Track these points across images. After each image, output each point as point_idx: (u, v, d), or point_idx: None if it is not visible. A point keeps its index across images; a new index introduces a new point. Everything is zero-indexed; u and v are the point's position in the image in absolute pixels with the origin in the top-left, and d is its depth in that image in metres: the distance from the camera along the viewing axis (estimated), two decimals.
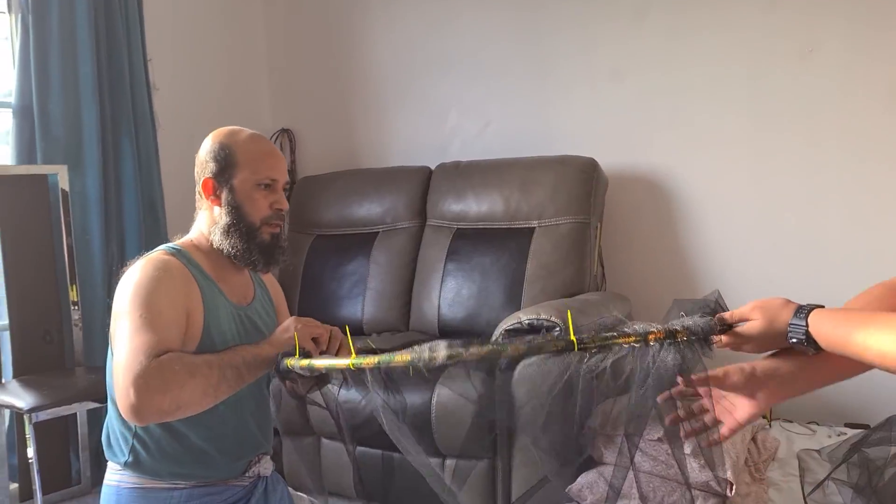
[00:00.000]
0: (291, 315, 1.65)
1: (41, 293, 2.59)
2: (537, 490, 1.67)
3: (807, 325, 0.99)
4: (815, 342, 0.99)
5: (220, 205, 1.38)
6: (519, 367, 1.51)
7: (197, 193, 1.42)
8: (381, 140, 3.49)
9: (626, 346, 0.95)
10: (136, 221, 2.88)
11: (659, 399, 1.07)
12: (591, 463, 1.78)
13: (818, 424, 2.45)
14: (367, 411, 2.29)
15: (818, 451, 1.77)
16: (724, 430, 1.12)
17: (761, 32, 2.70)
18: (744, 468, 1.90)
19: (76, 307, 2.65)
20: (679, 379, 1.03)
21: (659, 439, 1.61)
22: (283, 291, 1.65)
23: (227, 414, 1.35)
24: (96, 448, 2.66)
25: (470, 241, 2.87)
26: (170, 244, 1.39)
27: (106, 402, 1.40)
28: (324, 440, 2.41)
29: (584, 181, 2.79)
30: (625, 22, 2.92)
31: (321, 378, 1.35)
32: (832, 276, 2.56)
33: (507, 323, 2.17)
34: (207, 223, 1.40)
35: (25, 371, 2.50)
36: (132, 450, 1.32)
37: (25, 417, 2.23)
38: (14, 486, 2.56)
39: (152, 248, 1.37)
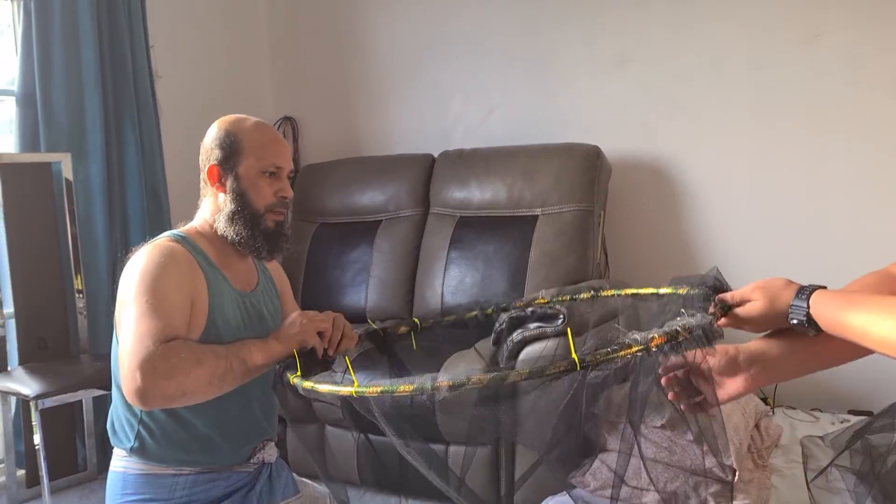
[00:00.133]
0: (297, 300, 1.66)
1: (46, 281, 2.60)
2: (535, 470, 1.67)
3: (808, 307, 0.99)
4: (815, 324, 0.99)
5: (224, 192, 1.38)
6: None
7: (202, 180, 1.42)
8: (384, 128, 3.48)
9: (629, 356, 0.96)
10: (139, 209, 2.88)
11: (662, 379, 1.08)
12: (594, 449, 1.79)
13: (821, 411, 2.46)
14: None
15: (821, 438, 1.78)
16: (705, 404, 1.11)
17: (765, 20, 2.68)
18: (747, 455, 1.90)
19: (81, 295, 2.66)
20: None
21: (662, 426, 1.62)
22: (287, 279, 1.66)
23: (232, 401, 1.36)
24: (102, 435, 2.67)
25: (473, 228, 2.87)
26: (174, 231, 1.39)
27: (111, 388, 1.40)
28: (328, 427, 2.42)
29: (587, 169, 2.78)
30: (628, 10, 2.91)
31: (325, 362, 1.36)
32: (835, 264, 2.54)
33: (513, 311, 2.17)
34: (212, 210, 1.40)
35: (31, 358, 2.51)
36: (137, 436, 1.32)
37: (32, 404, 2.25)
38: (21, 472, 2.58)
39: (156, 236, 1.37)
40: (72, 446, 2.69)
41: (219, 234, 1.38)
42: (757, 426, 2.10)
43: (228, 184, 1.37)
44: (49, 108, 2.65)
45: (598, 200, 2.81)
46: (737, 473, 1.73)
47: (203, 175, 1.41)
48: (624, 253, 2.98)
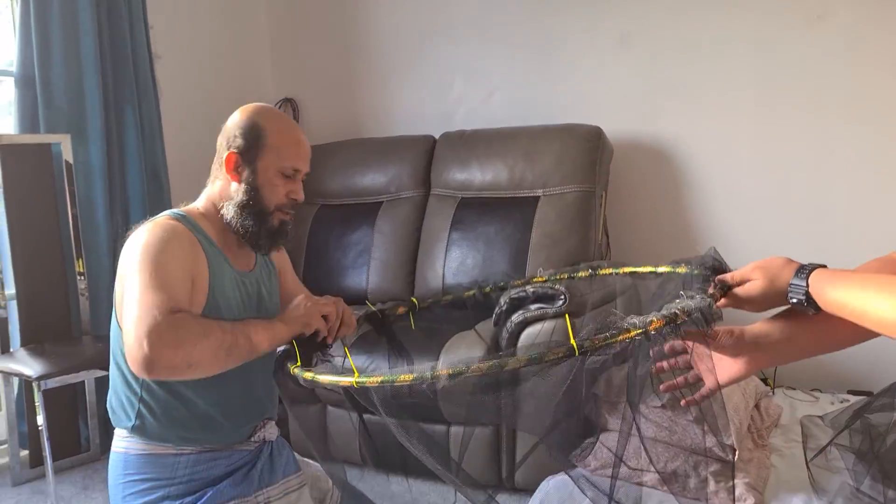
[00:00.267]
0: (297, 276, 1.66)
1: (47, 263, 2.60)
2: (535, 449, 1.69)
3: (807, 286, 0.98)
4: (814, 303, 0.98)
5: (239, 182, 1.37)
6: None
7: (216, 162, 1.41)
8: (385, 109, 3.46)
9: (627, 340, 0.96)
10: (139, 190, 2.88)
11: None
12: (594, 429, 1.80)
13: (821, 391, 2.47)
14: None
15: (821, 418, 1.78)
16: (703, 389, 1.11)
17: (767, 1, 2.66)
18: (747, 434, 1.91)
19: (82, 277, 2.66)
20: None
21: (662, 406, 1.62)
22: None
23: (233, 379, 1.36)
24: (105, 415, 2.67)
25: (474, 210, 2.86)
26: (174, 210, 1.39)
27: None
28: (329, 408, 2.43)
29: (589, 150, 2.77)
30: None
31: (323, 346, 1.37)
32: (838, 245, 2.55)
33: (512, 291, 2.17)
34: (222, 195, 1.39)
35: (33, 340, 2.52)
36: (138, 414, 1.33)
37: (34, 385, 2.26)
38: (24, 452, 2.60)
39: (148, 220, 1.37)
40: (75, 427, 2.70)
41: (225, 220, 1.38)
42: (757, 406, 2.11)
43: (244, 175, 1.36)
44: (48, 90, 2.64)
45: (600, 182, 2.80)
46: (737, 452, 1.74)
47: (220, 158, 1.39)
48: (625, 234, 2.98)
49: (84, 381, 2.62)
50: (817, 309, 0.98)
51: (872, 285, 0.91)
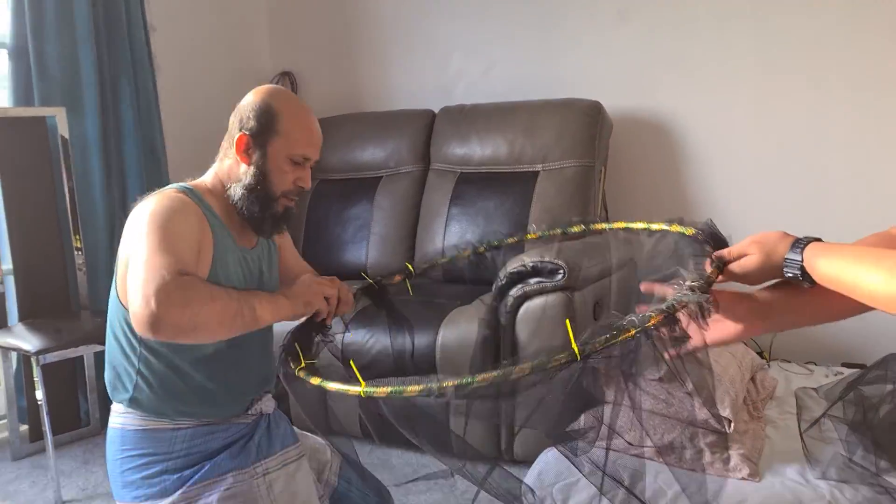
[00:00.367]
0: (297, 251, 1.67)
1: (44, 237, 2.59)
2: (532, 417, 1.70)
3: (802, 260, 0.99)
4: (810, 276, 0.99)
5: (248, 164, 1.36)
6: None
7: (226, 140, 1.41)
8: (384, 82, 3.44)
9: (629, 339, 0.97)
10: (136, 164, 2.86)
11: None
12: (593, 402, 1.81)
13: (816, 364, 2.48)
14: (374, 352, 2.32)
15: (815, 390, 1.79)
16: (689, 344, 1.12)
17: None
18: (742, 406, 1.93)
19: (80, 252, 2.66)
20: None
21: (660, 379, 1.63)
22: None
23: (230, 353, 1.36)
24: (104, 390, 2.69)
25: (474, 185, 2.86)
26: (181, 184, 1.39)
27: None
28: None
29: (588, 124, 2.76)
30: None
31: (322, 327, 1.38)
32: (837, 217, 2.55)
33: (512, 266, 2.17)
34: (230, 174, 1.39)
35: (31, 315, 2.52)
36: (136, 387, 1.33)
37: (33, 360, 2.26)
38: (24, 427, 2.61)
39: (155, 191, 1.36)
40: (74, 402, 2.71)
41: (231, 199, 1.38)
42: (753, 379, 2.12)
43: (254, 158, 1.36)
44: (42, 62, 2.61)
45: (599, 156, 2.79)
46: (732, 424, 1.76)
47: (231, 137, 1.39)
48: (624, 208, 2.98)
49: (83, 356, 2.63)
50: (812, 282, 0.99)
51: (866, 259, 0.91)
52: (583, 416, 1.55)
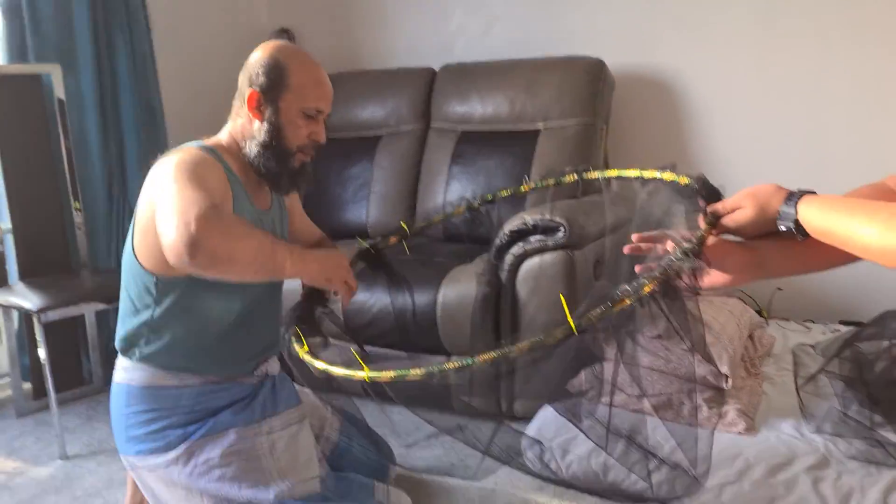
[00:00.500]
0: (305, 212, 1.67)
1: (42, 195, 2.57)
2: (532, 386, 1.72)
3: (796, 213, 0.99)
4: (804, 229, 0.99)
5: (261, 120, 1.36)
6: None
7: (237, 99, 1.40)
8: (383, 39, 3.39)
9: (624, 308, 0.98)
10: (133, 121, 2.82)
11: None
12: (593, 359, 1.82)
13: (813, 322, 2.50)
14: (375, 310, 2.32)
15: (812, 347, 1.81)
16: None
17: None
18: (740, 363, 1.94)
19: (79, 211, 2.64)
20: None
21: (658, 336, 1.64)
22: None
23: (241, 313, 1.38)
24: (106, 348, 2.72)
25: (474, 144, 2.83)
26: (200, 142, 1.38)
27: (114, 302, 1.41)
28: (331, 340, 2.46)
29: (590, 82, 2.73)
30: None
31: (324, 301, 1.39)
32: (838, 176, 2.52)
33: (512, 224, 2.17)
34: (243, 133, 1.38)
35: (30, 274, 2.53)
36: (147, 342, 1.34)
37: (34, 318, 2.27)
38: (27, 385, 2.63)
39: (152, 150, 1.36)
40: (77, 360, 2.73)
41: (247, 157, 1.37)
42: (751, 337, 2.14)
43: (266, 114, 1.35)
44: (36, 18, 2.57)
45: (601, 114, 2.76)
46: (730, 380, 1.77)
47: (241, 96, 1.38)
48: (626, 167, 2.95)
49: (84, 315, 2.64)
50: (806, 235, 0.99)
51: (859, 212, 0.91)
52: (583, 373, 1.57)
